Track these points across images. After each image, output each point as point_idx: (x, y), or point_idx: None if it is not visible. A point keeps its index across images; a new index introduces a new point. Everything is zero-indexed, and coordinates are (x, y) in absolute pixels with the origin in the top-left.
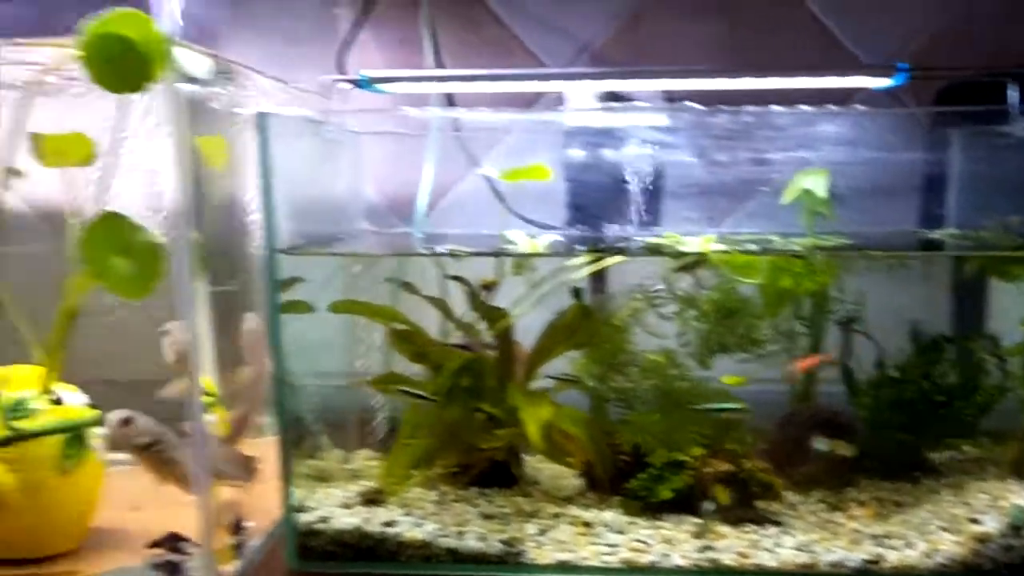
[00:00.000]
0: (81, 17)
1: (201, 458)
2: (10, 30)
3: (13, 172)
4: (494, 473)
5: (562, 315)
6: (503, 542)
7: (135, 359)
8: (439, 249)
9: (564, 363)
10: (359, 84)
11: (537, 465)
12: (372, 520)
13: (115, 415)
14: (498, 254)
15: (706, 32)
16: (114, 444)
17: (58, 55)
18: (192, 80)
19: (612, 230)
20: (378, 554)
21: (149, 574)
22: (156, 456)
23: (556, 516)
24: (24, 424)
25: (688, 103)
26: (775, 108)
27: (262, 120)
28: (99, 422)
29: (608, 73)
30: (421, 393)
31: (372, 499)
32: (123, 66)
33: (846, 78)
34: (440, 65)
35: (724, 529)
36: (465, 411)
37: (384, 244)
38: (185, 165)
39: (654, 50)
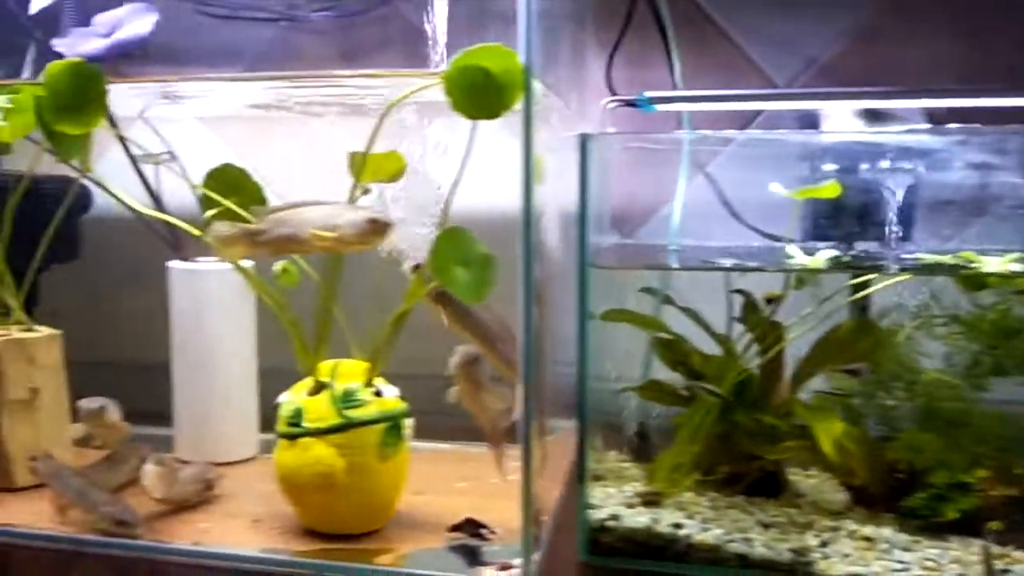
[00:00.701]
0: None
1: (529, 449)
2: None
3: (363, 190)
4: (760, 482)
5: (836, 329)
6: (793, 551)
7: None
8: (725, 263)
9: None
10: (637, 104)
11: (791, 477)
12: (660, 521)
13: (465, 349)
14: (786, 270)
15: (940, 47)
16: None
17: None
18: (534, 105)
19: (864, 247)
20: (666, 554)
21: (450, 556)
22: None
23: (833, 529)
24: (354, 413)
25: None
26: None
27: (585, 141)
28: (410, 414)
29: (859, 93)
30: (716, 390)
31: (650, 500)
32: (483, 95)
33: None
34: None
35: (1017, 554)
36: (748, 420)
37: (634, 254)
38: (531, 183)
39: (885, 64)
